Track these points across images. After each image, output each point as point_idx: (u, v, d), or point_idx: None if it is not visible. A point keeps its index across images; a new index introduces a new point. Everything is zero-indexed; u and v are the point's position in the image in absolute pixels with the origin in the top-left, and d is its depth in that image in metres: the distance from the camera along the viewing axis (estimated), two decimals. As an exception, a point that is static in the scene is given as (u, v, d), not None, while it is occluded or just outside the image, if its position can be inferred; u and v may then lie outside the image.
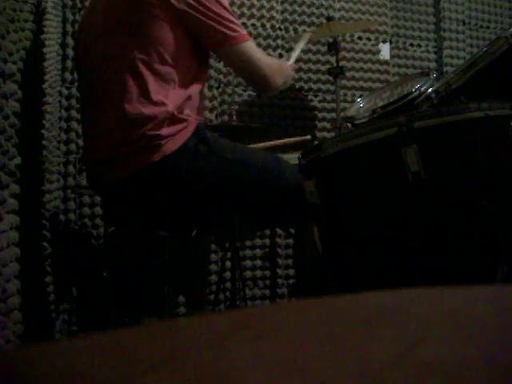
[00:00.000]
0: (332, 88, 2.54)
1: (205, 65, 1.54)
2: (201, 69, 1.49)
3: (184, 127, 1.39)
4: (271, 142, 1.85)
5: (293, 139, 2.01)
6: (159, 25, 1.36)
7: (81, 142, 2.05)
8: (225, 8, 1.42)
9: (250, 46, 1.48)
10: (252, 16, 2.47)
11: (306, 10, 2.59)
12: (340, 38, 2.50)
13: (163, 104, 1.36)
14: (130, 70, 1.37)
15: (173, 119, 1.37)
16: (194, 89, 1.45)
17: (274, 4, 2.52)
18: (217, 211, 1.48)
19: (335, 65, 2.34)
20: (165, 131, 1.36)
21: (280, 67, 1.60)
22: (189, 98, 1.43)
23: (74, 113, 2.11)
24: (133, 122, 1.35)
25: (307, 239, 1.49)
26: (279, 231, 2.38)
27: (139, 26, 1.37)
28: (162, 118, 1.36)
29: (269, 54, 2.48)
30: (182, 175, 1.38)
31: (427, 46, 2.84)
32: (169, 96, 1.38)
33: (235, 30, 1.43)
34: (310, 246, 1.45)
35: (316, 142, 2.47)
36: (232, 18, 1.44)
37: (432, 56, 2.85)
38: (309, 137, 2.08)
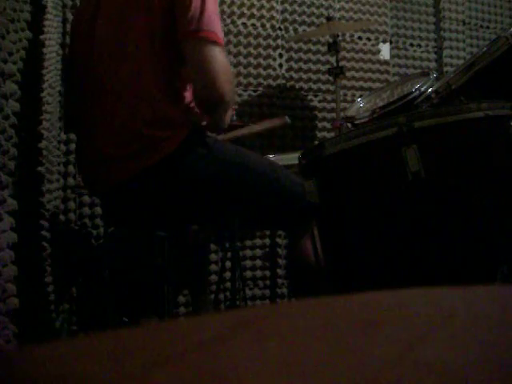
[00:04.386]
0: (332, 88, 2.54)
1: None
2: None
3: (181, 128, 1.38)
4: (243, 130, 1.76)
5: (270, 124, 1.96)
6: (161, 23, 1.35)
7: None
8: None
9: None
10: (252, 16, 2.47)
11: (306, 10, 2.59)
12: (340, 38, 2.50)
13: (160, 105, 1.36)
14: (129, 74, 1.37)
15: (170, 120, 1.37)
16: (189, 90, 1.43)
17: (274, 4, 2.52)
18: (215, 212, 1.48)
19: (335, 65, 2.34)
20: (162, 133, 1.35)
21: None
22: (184, 98, 1.41)
23: (73, 113, 2.11)
24: (130, 124, 1.36)
25: (302, 244, 1.47)
26: (279, 231, 2.38)
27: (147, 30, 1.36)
28: (158, 119, 1.36)
29: (269, 54, 2.48)
30: (180, 176, 1.38)
31: (427, 45, 2.84)
32: (165, 97, 1.37)
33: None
34: (305, 251, 1.44)
35: (316, 142, 2.47)
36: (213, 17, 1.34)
37: (432, 56, 2.85)
38: (287, 119, 1.88)
